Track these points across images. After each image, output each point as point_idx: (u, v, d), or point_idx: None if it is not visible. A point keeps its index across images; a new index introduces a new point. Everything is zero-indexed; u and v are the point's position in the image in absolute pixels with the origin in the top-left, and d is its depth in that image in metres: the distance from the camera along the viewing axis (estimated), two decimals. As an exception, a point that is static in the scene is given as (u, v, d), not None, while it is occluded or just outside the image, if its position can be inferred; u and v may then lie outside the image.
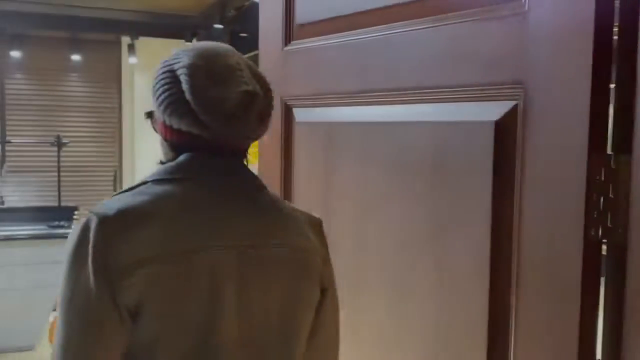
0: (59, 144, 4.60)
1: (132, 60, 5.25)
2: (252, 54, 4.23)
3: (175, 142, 0.98)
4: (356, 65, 1.12)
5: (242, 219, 0.93)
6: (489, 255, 0.84)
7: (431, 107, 0.96)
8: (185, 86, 0.93)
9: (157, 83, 0.97)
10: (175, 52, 1.01)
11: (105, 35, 5.39)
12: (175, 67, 0.96)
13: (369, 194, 1.11)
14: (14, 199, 5.24)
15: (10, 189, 5.23)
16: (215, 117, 0.92)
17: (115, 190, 5.50)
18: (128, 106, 5.54)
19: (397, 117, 1.04)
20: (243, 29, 4.63)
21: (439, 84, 0.93)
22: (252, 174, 1.01)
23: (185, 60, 0.95)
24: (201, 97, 0.93)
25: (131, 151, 5.55)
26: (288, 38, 1.32)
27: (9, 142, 5.13)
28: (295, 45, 1.30)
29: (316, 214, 1.00)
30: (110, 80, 5.51)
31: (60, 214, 4.68)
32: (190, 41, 5.13)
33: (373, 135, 1.10)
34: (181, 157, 0.96)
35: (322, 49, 1.21)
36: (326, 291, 0.97)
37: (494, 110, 0.84)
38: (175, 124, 0.95)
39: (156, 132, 1.02)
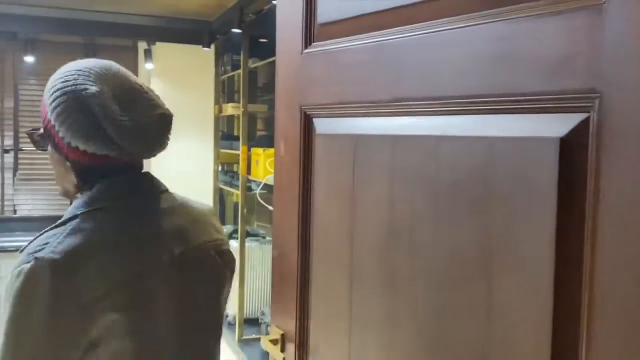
0: (72, 152, 4.52)
1: (149, 65, 5.18)
2: (271, 59, 4.13)
3: (87, 164, 1.02)
4: (387, 70, 0.99)
5: (172, 227, 1.05)
6: (551, 303, 0.70)
7: (477, 119, 0.82)
8: (100, 114, 0.97)
9: (62, 109, 1.00)
10: (69, 72, 1.04)
11: (121, 41, 5.33)
12: (83, 94, 0.98)
13: (400, 218, 0.97)
14: (27, 207, 5.19)
15: (22, 198, 5.17)
16: (135, 142, 1.01)
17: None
18: (144, 113, 5.45)
19: (434, 130, 0.90)
20: (262, 34, 4.52)
21: (487, 93, 0.79)
22: (156, 179, 1.13)
23: (90, 87, 0.99)
24: (118, 123, 0.99)
25: (147, 160, 5.46)
26: (308, 39, 1.19)
27: (22, 149, 5.08)
28: (317, 47, 1.17)
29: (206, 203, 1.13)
30: (126, 86, 5.44)
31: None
32: (208, 47, 5.05)
33: (405, 150, 0.96)
34: (101, 185, 1.02)
35: (347, 52, 1.08)
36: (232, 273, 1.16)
37: (559, 124, 0.69)
38: (90, 148, 1.00)
39: (40, 150, 1.06)
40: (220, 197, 5.59)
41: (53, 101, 1.04)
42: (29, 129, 1.15)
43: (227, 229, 5.38)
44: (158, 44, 5.23)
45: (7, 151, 4.83)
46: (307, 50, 1.19)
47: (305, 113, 1.20)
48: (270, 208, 4.46)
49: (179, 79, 5.40)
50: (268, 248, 4.67)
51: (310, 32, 1.18)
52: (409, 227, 0.95)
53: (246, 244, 4.70)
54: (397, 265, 0.98)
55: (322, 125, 1.17)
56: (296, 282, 1.21)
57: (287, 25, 1.26)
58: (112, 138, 1.00)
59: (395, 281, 0.97)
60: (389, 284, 0.99)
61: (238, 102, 4.74)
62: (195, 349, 1.07)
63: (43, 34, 5.11)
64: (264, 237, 5.06)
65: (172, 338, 1.01)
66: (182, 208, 1.12)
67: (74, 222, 0.99)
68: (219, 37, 4.86)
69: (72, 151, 1.03)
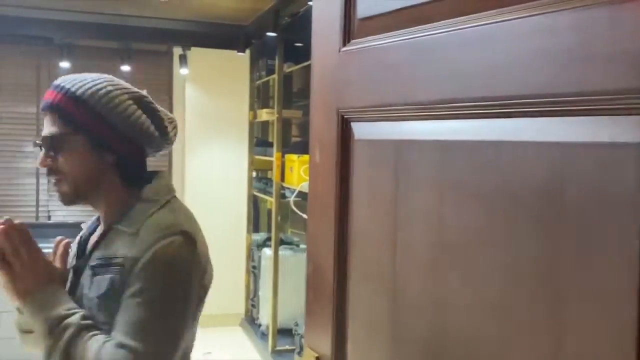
0: (106, 157, 4.52)
1: (184, 71, 5.17)
2: (306, 63, 4.05)
3: (136, 160, 1.31)
4: (434, 67, 0.89)
5: None
6: (636, 342, 0.59)
7: (544, 122, 0.71)
8: (158, 115, 1.27)
9: (130, 112, 1.24)
10: (108, 78, 1.30)
11: (156, 46, 5.33)
12: (136, 96, 1.26)
13: (450, 234, 0.86)
14: (61, 214, 5.22)
15: (56, 204, 5.20)
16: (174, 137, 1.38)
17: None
18: (179, 119, 5.44)
19: (490, 135, 0.79)
20: (298, 38, 4.46)
21: (556, 92, 0.68)
22: None
23: (135, 91, 1.26)
24: (170, 122, 1.33)
25: (181, 165, 5.46)
26: (347, 36, 1.10)
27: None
28: (356, 45, 1.08)
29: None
30: (161, 91, 5.44)
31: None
32: (243, 51, 5.01)
33: (456, 158, 0.86)
34: (162, 179, 1.36)
35: (389, 49, 0.98)
36: None
37: (648, 128, 0.59)
38: (148, 146, 1.33)
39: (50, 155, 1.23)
40: (255, 203, 5.54)
41: (109, 102, 1.24)
42: (49, 133, 1.25)
43: (260, 236, 5.33)
44: (193, 49, 5.22)
45: (42, 157, 4.86)
46: (345, 48, 1.10)
47: (342, 116, 1.11)
48: (305, 216, 4.37)
49: (214, 85, 5.38)
50: (302, 256, 4.59)
51: (349, 28, 1.09)
52: (460, 245, 0.84)
53: (280, 252, 4.63)
54: (445, 287, 0.87)
55: (361, 130, 1.08)
56: (332, 301, 1.11)
57: (324, 21, 1.17)
58: (167, 139, 1.36)
59: (443, 305, 0.87)
60: (435, 307, 0.89)
61: (273, 107, 4.69)
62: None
63: (79, 40, 5.15)
64: (297, 245, 4.98)
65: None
66: None
67: (173, 203, 1.29)
68: (254, 41, 4.82)
69: (127, 146, 1.27)
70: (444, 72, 0.87)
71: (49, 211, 5.22)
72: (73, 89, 1.26)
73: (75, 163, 1.25)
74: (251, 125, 5.34)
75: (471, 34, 0.81)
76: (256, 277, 5.18)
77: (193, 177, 5.40)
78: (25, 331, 1.26)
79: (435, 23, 0.89)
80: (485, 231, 0.80)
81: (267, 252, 4.82)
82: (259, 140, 5.43)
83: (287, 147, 4.67)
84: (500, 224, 0.77)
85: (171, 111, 5.45)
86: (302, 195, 3.96)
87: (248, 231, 5.40)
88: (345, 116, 1.10)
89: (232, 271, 5.46)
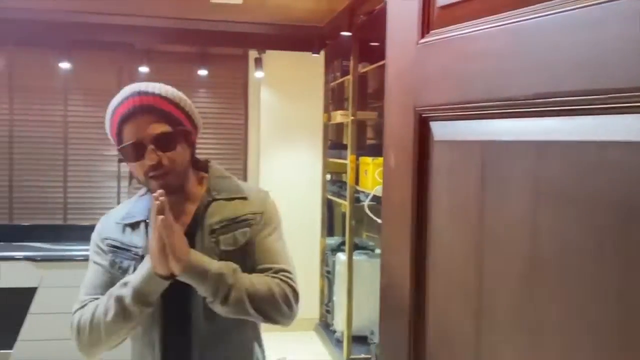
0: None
1: (259, 74, 5.18)
2: (382, 62, 3.95)
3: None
4: (527, 58, 0.78)
5: None
6: None
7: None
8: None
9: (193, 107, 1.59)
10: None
11: (232, 50, 5.38)
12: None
13: (547, 248, 0.75)
14: (141, 215, 5.35)
15: (136, 206, 5.34)
16: None
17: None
18: (254, 122, 5.48)
19: (597, 135, 0.67)
20: (373, 37, 4.36)
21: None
22: None
23: None
24: None
25: (256, 168, 5.48)
26: (425, 27, 0.99)
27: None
28: (435, 35, 0.97)
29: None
30: (237, 95, 5.49)
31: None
32: (318, 53, 4.97)
33: (555, 161, 0.74)
34: (211, 161, 1.73)
35: (474, 39, 0.88)
36: None
37: None
38: None
39: (165, 151, 1.48)
40: (329, 207, 5.48)
41: (190, 104, 1.57)
42: (160, 132, 1.46)
43: (335, 240, 5.26)
44: (268, 52, 5.22)
45: (122, 160, 4.99)
46: (423, 40, 1.00)
47: (420, 115, 1.01)
48: (380, 221, 4.23)
49: (288, 87, 5.37)
50: (377, 262, 4.48)
51: (428, 18, 0.99)
52: (560, 260, 0.72)
53: (354, 257, 4.54)
54: (541, 307, 0.76)
55: (442, 130, 0.98)
56: (408, 319, 1.02)
57: (400, 12, 1.07)
58: None
59: (538, 329, 0.76)
60: (529, 330, 0.77)
61: (347, 109, 4.61)
62: None
63: (158, 45, 5.27)
64: (372, 250, 4.88)
65: None
66: None
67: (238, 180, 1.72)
68: (329, 42, 4.76)
69: (196, 138, 1.60)
70: (541, 62, 0.75)
71: (129, 213, 5.37)
72: (165, 94, 1.49)
73: (178, 156, 1.49)
74: (325, 127, 5.28)
75: (578, 16, 0.69)
76: (330, 282, 5.12)
77: (268, 181, 5.41)
78: (139, 304, 1.43)
79: (528, 7, 0.78)
80: (588, 244, 0.68)
81: (342, 257, 4.75)
82: (333, 143, 5.37)
83: (362, 149, 4.58)
84: (607, 237, 0.65)
85: (246, 115, 5.51)
86: (376, 199, 3.86)
87: (322, 235, 5.34)
88: (424, 115, 1.00)
89: (307, 275, 5.41)
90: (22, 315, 4.09)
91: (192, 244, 1.49)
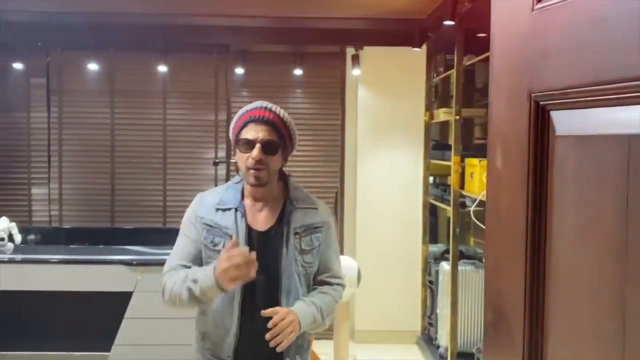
0: (277, 163, 4.51)
1: (356, 72, 5.03)
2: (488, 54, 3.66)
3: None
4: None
5: None
6: None
7: None
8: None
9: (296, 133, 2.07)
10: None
11: (328, 47, 5.26)
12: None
13: None
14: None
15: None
16: None
17: (336, 213, 5.32)
18: (351, 123, 5.33)
19: None
20: (479, 27, 4.07)
21: None
22: None
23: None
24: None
25: (353, 170, 5.33)
26: (543, -13, 0.78)
27: (232, 161, 5.24)
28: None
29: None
30: (333, 95, 5.36)
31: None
32: (419, 47, 4.74)
33: None
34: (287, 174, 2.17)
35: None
36: None
37: None
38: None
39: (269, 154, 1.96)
40: (432, 212, 5.22)
41: (295, 129, 2.05)
42: (270, 138, 1.96)
43: (437, 248, 5.00)
44: (366, 48, 5.06)
45: (217, 163, 5.01)
46: (540, 5, 0.79)
47: (536, 103, 0.80)
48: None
49: (387, 85, 5.17)
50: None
51: (547, -25, 0.78)
52: None
53: (459, 267, 4.26)
54: None
55: (567, 121, 0.76)
56: (521, 365, 0.80)
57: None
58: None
59: None
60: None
61: (451, 106, 4.35)
62: None
63: (253, 45, 5.25)
64: (480, 260, 4.57)
65: None
66: None
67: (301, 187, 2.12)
68: (431, 35, 4.51)
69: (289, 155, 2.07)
70: None
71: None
72: (282, 116, 2.00)
73: (275, 162, 1.97)
74: (427, 126, 5.03)
75: None
76: (433, 293, 4.86)
77: (365, 183, 5.24)
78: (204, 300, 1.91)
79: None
80: None
81: (445, 266, 4.48)
82: (436, 143, 5.11)
83: (468, 150, 4.30)
84: None
85: (343, 115, 5.37)
86: (484, 204, 3.57)
87: (424, 242, 5.09)
88: (541, 102, 0.79)
89: (407, 285, 5.20)
90: (119, 319, 4.17)
91: (277, 243, 2.01)
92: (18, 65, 5.20)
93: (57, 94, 5.35)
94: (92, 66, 5.13)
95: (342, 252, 5.38)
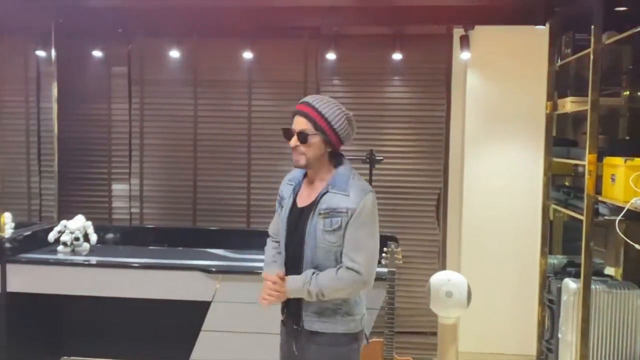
0: (372, 160, 4.04)
1: (465, 55, 4.46)
2: (634, 30, 2.99)
3: (336, 152, 2.42)
4: None
5: None
6: None
7: None
8: (353, 127, 2.40)
9: (345, 126, 2.36)
10: (336, 105, 2.36)
11: (434, 28, 4.71)
12: (348, 116, 2.37)
13: None
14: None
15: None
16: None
17: (437, 216, 4.78)
18: (458, 114, 4.75)
19: None
20: (621, 1, 3.39)
21: None
22: None
23: (347, 112, 2.38)
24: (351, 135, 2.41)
25: (459, 167, 4.75)
26: None
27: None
28: None
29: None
30: (437, 83, 4.79)
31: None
32: (543, 24, 4.08)
33: None
34: (347, 161, 2.45)
35: None
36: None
37: None
38: (342, 144, 2.41)
39: (301, 142, 2.37)
40: (554, 219, 4.55)
41: (338, 118, 2.34)
42: (300, 129, 2.36)
43: (557, 260, 4.35)
44: (477, 28, 4.48)
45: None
46: None
47: None
48: (638, 247, 3.30)
49: (501, 70, 4.59)
50: (620, 293, 3.55)
51: None
52: None
53: (592, 287, 3.60)
54: None
55: None
56: None
57: None
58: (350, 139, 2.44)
59: None
60: None
61: (582, 95, 3.67)
62: None
63: (346, 27, 4.76)
64: (611, 278, 3.90)
65: None
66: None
67: (357, 175, 2.42)
68: (558, 9, 3.85)
69: (338, 144, 2.39)
70: None
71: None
72: (317, 106, 2.33)
73: (309, 149, 2.35)
74: (549, 118, 4.36)
75: None
76: (554, 314, 4.20)
77: (473, 182, 4.66)
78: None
79: None
80: None
81: (571, 283, 3.82)
82: (560, 139, 4.42)
83: (606, 147, 3.61)
84: None
85: (448, 105, 4.79)
86: (632, 214, 2.93)
87: (542, 254, 4.43)
88: None
89: (521, 303, 4.61)
90: (195, 330, 3.83)
91: (306, 220, 2.38)
92: (98, 53, 4.98)
93: (138, 83, 5.09)
94: (174, 53, 4.83)
95: (444, 265, 4.89)
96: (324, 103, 2.33)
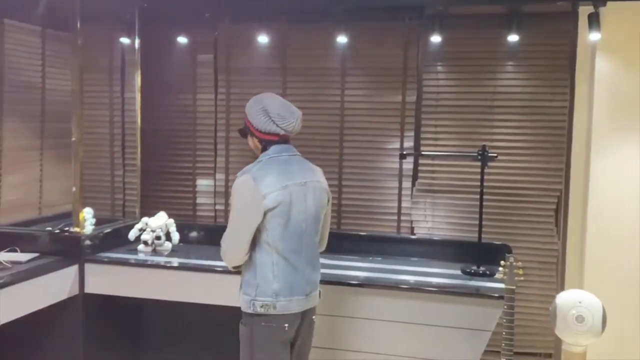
0: (484, 157, 3.55)
1: (594, 36, 3.87)
2: None
3: (266, 140, 2.71)
4: None
5: (300, 171, 2.69)
6: None
7: None
8: (273, 116, 2.69)
9: (259, 119, 2.70)
10: (255, 101, 2.77)
11: (555, 6, 4.15)
12: (264, 109, 2.69)
13: None
14: (425, 225, 4.44)
15: (421, 213, 4.44)
16: (288, 129, 2.69)
17: (557, 222, 4.23)
18: (582, 104, 4.16)
19: None
20: None
21: None
22: (293, 147, 2.75)
23: (264, 107, 2.70)
24: (283, 120, 2.67)
25: (583, 169, 4.17)
26: None
27: (422, 154, 4.34)
28: None
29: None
30: (558, 68, 4.23)
31: (480, 255, 3.63)
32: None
33: None
34: (270, 149, 2.70)
35: None
36: (328, 200, 2.81)
37: None
38: (269, 134, 2.71)
39: (245, 139, 2.84)
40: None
41: (252, 115, 2.74)
42: (240, 127, 2.86)
43: None
44: (609, 3, 3.90)
45: (404, 156, 4.13)
46: None
47: None
48: None
49: (637, 53, 3.94)
50: None
51: None
52: None
53: None
54: None
55: None
56: None
57: None
58: (277, 127, 2.67)
59: None
60: None
61: None
62: (311, 231, 2.71)
63: (453, 7, 4.28)
64: None
65: (301, 220, 2.65)
66: (305, 162, 2.77)
67: (260, 163, 2.67)
68: None
69: (263, 135, 2.71)
70: None
71: (412, 221, 4.50)
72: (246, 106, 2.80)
73: (250, 142, 2.81)
74: (698, 110, 3.70)
75: None
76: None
77: (600, 185, 4.07)
78: None
79: None
80: None
81: None
82: None
83: None
84: None
85: (572, 94, 4.19)
86: None
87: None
88: None
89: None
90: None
91: None
92: (183, 40, 4.76)
93: (224, 72, 4.83)
94: (262, 39, 4.52)
95: (562, 278, 4.31)
96: (252, 100, 2.78)
